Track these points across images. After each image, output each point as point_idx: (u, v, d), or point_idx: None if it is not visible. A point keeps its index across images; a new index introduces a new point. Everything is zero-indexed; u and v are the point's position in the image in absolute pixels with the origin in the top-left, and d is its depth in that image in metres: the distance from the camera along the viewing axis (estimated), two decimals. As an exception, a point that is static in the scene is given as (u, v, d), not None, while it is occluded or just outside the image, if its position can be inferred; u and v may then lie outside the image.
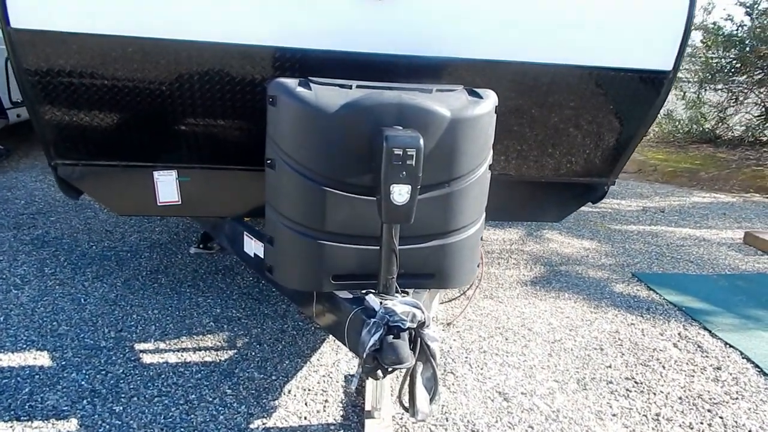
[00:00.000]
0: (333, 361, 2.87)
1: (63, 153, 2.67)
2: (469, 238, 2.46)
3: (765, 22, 9.64)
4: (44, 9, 2.34)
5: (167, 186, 2.89)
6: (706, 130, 10.39)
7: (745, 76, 10.07)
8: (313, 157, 2.21)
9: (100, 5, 2.37)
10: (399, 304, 2.14)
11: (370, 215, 2.22)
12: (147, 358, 2.80)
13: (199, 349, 2.91)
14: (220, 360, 2.83)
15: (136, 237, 4.33)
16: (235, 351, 2.92)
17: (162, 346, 2.92)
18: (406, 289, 2.37)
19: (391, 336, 2.07)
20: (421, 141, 2.07)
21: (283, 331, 3.11)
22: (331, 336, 3.06)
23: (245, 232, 2.93)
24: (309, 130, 2.21)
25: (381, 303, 2.16)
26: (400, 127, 2.15)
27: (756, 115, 10.17)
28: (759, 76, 9.98)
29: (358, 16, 2.58)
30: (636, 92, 3.00)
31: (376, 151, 2.10)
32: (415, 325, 2.11)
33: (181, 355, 2.85)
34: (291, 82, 2.26)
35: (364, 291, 2.36)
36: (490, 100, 2.42)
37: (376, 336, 2.07)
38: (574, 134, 3.11)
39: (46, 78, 2.43)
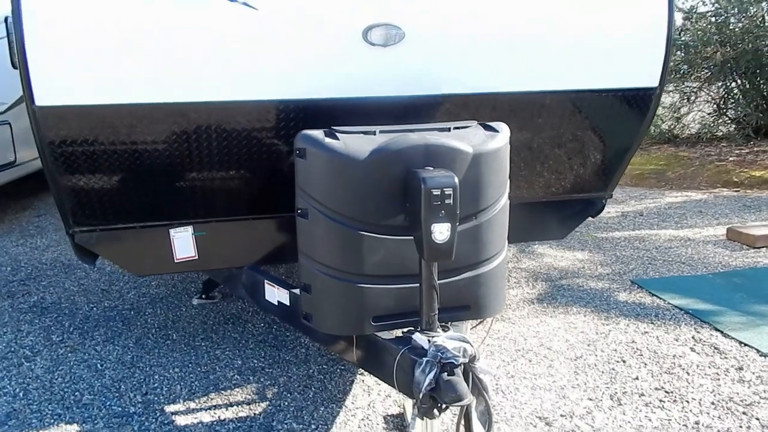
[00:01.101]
0: (368, 402, 2.87)
1: (81, 220, 2.65)
2: (498, 267, 2.51)
3: (705, 25, 10.10)
4: (66, 86, 2.37)
5: (183, 242, 2.88)
6: (664, 131, 10.74)
7: (693, 77, 10.49)
8: (347, 203, 2.24)
9: (118, 78, 2.41)
10: (448, 340, 2.16)
11: (407, 254, 2.26)
12: (180, 420, 2.76)
13: (231, 405, 2.87)
14: (254, 414, 2.80)
15: (134, 293, 4.25)
16: (267, 402, 2.89)
17: (192, 405, 2.87)
18: (445, 324, 2.40)
19: (446, 373, 2.10)
20: (456, 180, 2.13)
21: (310, 377, 3.10)
22: (359, 376, 3.06)
23: (266, 281, 2.91)
24: (342, 178, 2.24)
25: (430, 341, 2.18)
26: (431, 168, 2.20)
27: (708, 112, 10.58)
28: (707, 76, 10.41)
29: (364, 63, 2.64)
30: (627, 110, 3.13)
31: (413, 193, 2.14)
32: (467, 360, 2.14)
33: (214, 413, 2.81)
34: (318, 134, 2.29)
35: (406, 330, 2.38)
36: (504, 132, 2.50)
37: (431, 375, 2.09)
38: (574, 156, 3.22)
39: (68, 149, 2.44)
